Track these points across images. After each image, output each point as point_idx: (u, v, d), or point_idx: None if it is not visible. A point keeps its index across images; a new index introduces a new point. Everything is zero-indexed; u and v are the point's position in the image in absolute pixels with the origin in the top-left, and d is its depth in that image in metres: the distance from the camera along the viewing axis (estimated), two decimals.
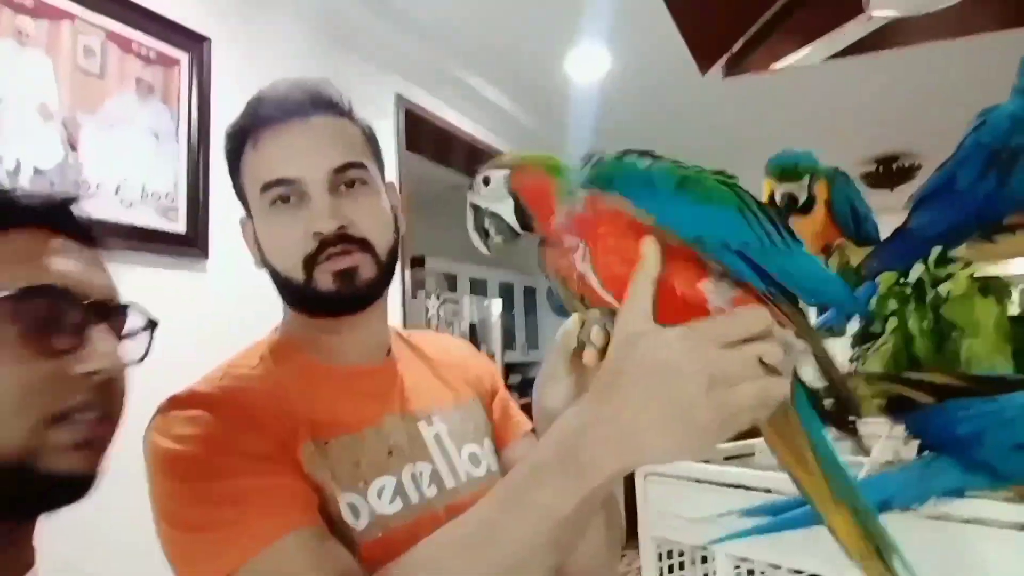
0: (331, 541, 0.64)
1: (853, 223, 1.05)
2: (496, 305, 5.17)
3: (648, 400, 0.49)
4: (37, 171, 1.47)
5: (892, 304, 0.80)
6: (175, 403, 0.71)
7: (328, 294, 0.76)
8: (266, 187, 0.77)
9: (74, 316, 0.58)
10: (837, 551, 0.70)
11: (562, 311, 0.66)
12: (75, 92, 1.55)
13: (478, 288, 5.15)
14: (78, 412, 0.57)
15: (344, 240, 0.76)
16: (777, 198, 1.04)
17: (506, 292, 5.53)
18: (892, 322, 0.79)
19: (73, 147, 1.55)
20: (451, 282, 4.88)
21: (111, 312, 0.62)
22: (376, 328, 0.85)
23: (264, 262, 0.81)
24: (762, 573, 0.88)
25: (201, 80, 1.85)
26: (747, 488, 0.88)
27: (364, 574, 0.62)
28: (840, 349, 0.89)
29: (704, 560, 1.05)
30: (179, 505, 0.65)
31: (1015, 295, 0.79)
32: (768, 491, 0.86)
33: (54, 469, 0.55)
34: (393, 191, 0.87)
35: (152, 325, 0.65)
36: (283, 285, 0.79)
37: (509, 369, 5.11)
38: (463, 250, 4.70)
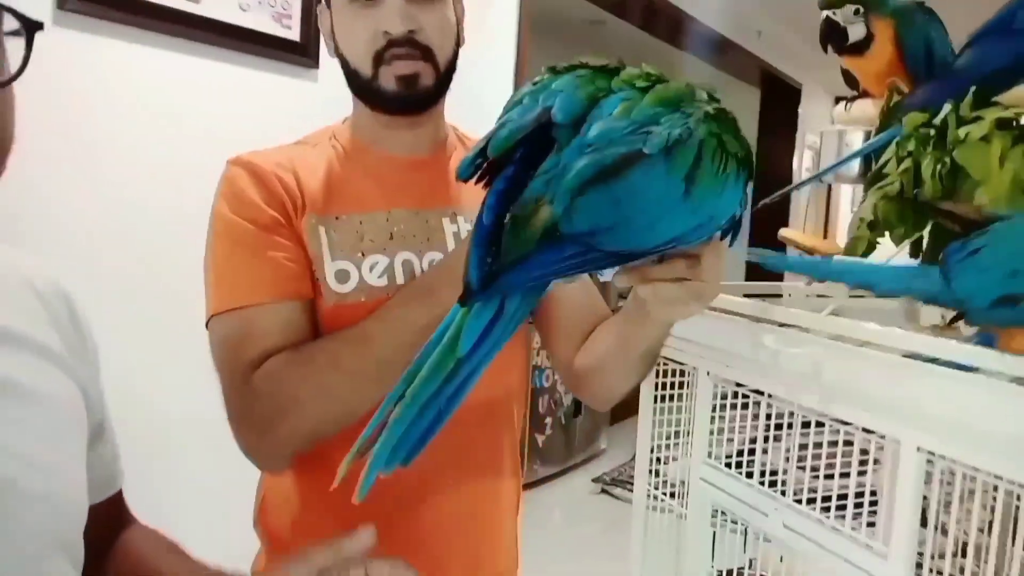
0: (303, 316, 0.84)
1: (926, 66, 0.97)
2: None
3: None
4: None
5: (911, 145, 0.77)
6: (232, 161, 0.89)
7: (390, 94, 0.87)
8: None
9: None
10: (835, 388, 0.73)
11: None
12: None
13: None
14: None
15: (410, 44, 0.85)
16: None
17: None
18: (905, 163, 0.77)
19: None
20: None
21: None
22: (428, 128, 0.94)
23: (337, 52, 0.91)
24: (745, 397, 0.93)
25: None
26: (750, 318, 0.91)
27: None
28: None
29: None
30: (207, 245, 0.86)
31: None
32: (758, 320, 0.89)
33: None
34: (459, 3, 0.93)
35: (32, 28, 0.50)
36: (351, 76, 0.90)
37: None
38: None
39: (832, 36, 0.94)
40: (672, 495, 1.03)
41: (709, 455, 0.93)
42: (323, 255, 0.85)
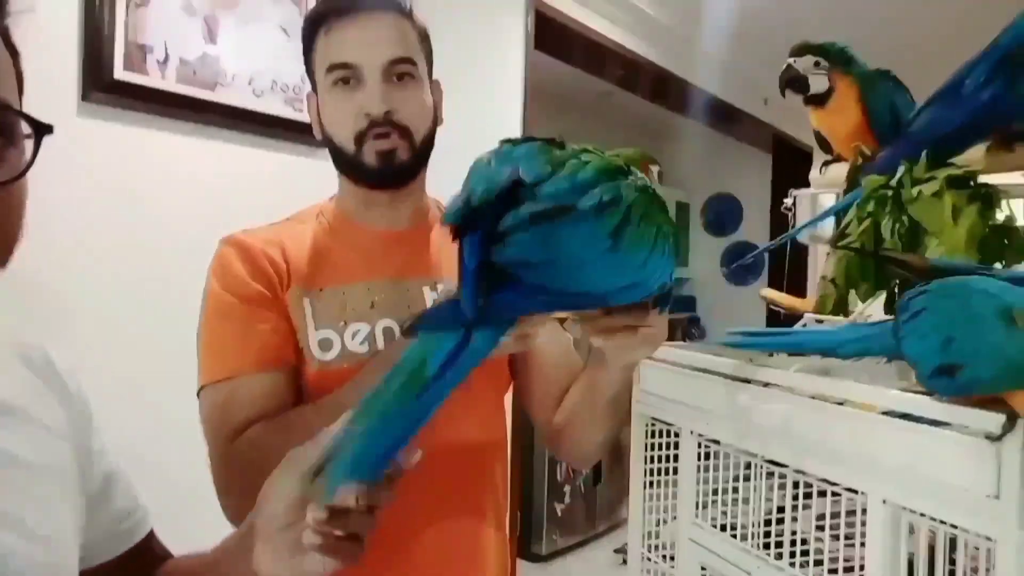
0: (285, 381, 0.88)
1: (892, 130, 1.01)
2: None
3: None
4: (183, 61, 1.71)
5: (870, 206, 0.80)
6: (224, 240, 0.94)
7: (371, 168, 0.93)
8: (331, 68, 0.92)
9: None
10: (806, 443, 0.75)
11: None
12: None
13: None
14: None
15: (389, 124, 0.91)
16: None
17: None
18: (865, 223, 0.79)
19: (213, 41, 1.77)
20: None
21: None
22: (408, 203, 1.00)
23: (323, 132, 0.98)
24: (726, 456, 0.94)
25: None
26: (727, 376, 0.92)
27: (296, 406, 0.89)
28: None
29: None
30: (199, 320, 0.90)
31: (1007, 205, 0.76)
32: (747, 381, 0.90)
33: None
34: (437, 88, 1.00)
35: (41, 132, 0.52)
36: (336, 154, 0.96)
37: None
38: None
39: (793, 83, 0.99)
40: (665, 558, 1.02)
41: (696, 515, 0.93)
42: (307, 325, 0.90)
